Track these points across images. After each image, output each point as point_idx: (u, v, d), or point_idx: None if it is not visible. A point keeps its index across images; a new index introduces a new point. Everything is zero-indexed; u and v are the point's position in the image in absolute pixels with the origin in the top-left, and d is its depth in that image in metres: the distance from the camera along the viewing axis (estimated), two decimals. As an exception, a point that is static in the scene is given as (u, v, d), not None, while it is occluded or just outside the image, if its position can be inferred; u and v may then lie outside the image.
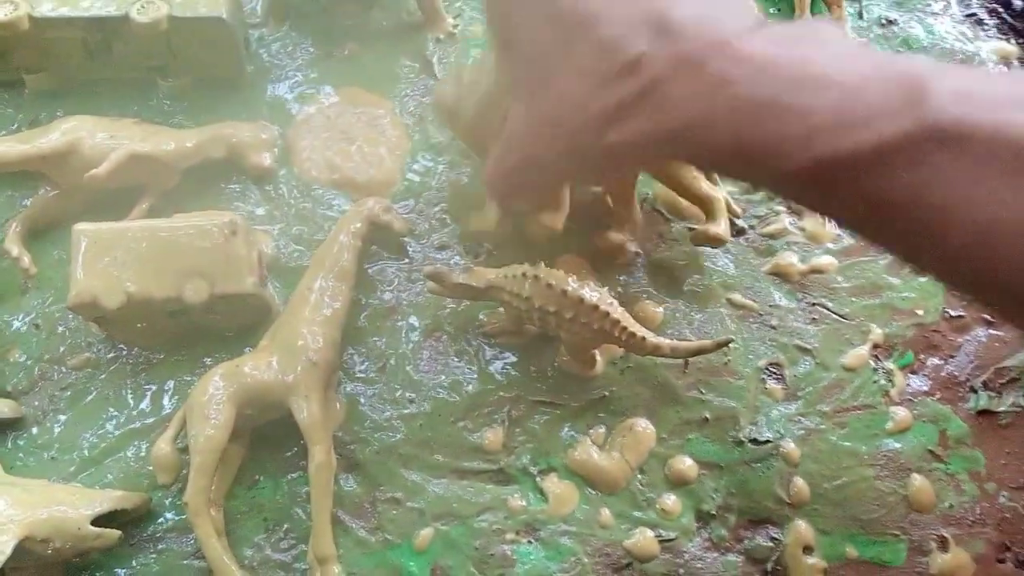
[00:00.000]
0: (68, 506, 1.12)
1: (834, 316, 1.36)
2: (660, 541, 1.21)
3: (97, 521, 1.12)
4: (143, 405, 1.27)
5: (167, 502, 1.21)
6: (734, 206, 1.41)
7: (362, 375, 1.30)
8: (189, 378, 1.28)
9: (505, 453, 1.26)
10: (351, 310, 1.30)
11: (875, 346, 1.34)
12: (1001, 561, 1.22)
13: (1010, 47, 1.63)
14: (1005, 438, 1.29)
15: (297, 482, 1.22)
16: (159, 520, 1.20)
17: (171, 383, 1.29)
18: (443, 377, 1.30)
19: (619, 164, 1.00)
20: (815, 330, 1.35)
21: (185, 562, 1.18)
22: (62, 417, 1.26)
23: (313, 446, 1.15)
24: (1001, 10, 1.67)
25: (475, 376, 1.30)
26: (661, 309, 1.35)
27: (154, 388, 1.28)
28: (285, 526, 1.20)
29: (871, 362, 1.33)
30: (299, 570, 1.18)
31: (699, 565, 1.20)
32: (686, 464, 1.26)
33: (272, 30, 1.56)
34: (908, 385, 1.32)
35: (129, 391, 1.28)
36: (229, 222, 1.22)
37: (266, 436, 1.24)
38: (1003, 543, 1.22)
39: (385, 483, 1.23)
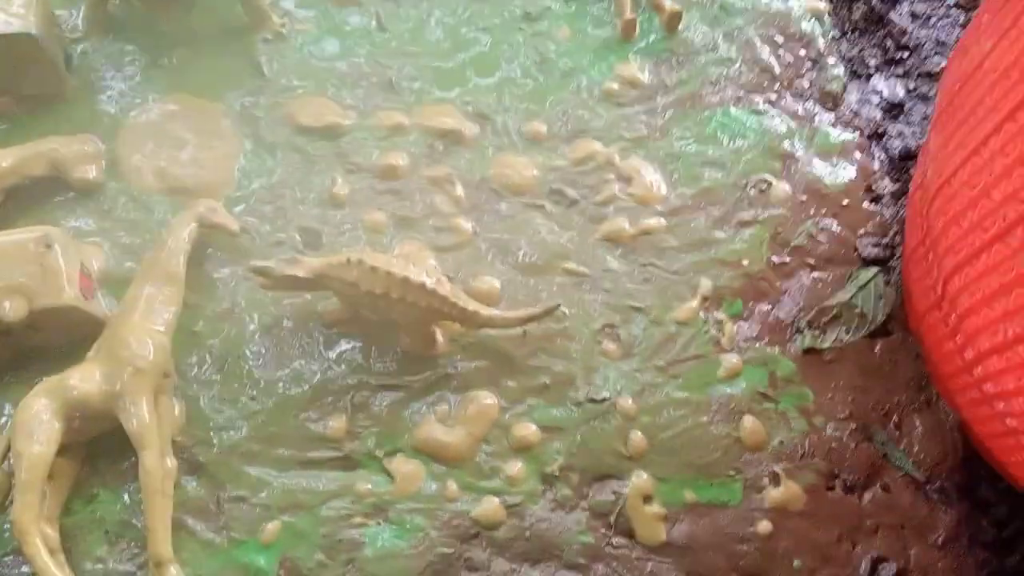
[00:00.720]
0: None
1: (665, 274, 1.41)
2: (506, 507, 1.24)
3: (-75, 552, 1.10)
4: (-26, 431, 1.25)
5: (2, 526, 1.19)
6: None
7: (201, 377, 1.29)
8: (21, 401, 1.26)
9: (350, 439, 1.27)
10: (186, 314, 1.30)
11: (704, 298, 1.40)
12: (830, 488, 1.28)
13: (821, 4, 1.71)
14: (831, 373, 1.36)
15: (138, 492, 1.21)
16: (-5, 545, 1.18)
17: (6, 406, 1.26)
18: (284, 371, 1.31)
19: None
20: (647, 289, 1.40)
21: (24, 585, 1.16)
22: None
23: (141, 451, 1.14)
24: (814, -31, 1.76)
25: (316, 367, 1.31)
26: (498, 283, 1.38)
27: (-15, 413, 1.26)
28: (127, 536, 1.19)
29: (701, 314, 1.38)
30: (144, 578, 1.17)
31: (545, 526, 1.23)
32: (529, 430, 1.29)
33: (95, 43, 1.54)
34: (738, 332, 1.38)
35: (-41, 418, 1.26)
36: (43, 235, 1.21)
37: (103, 448, 1.22)
38: (831, 471, 1.28)
39: (229, 482, 1.23)
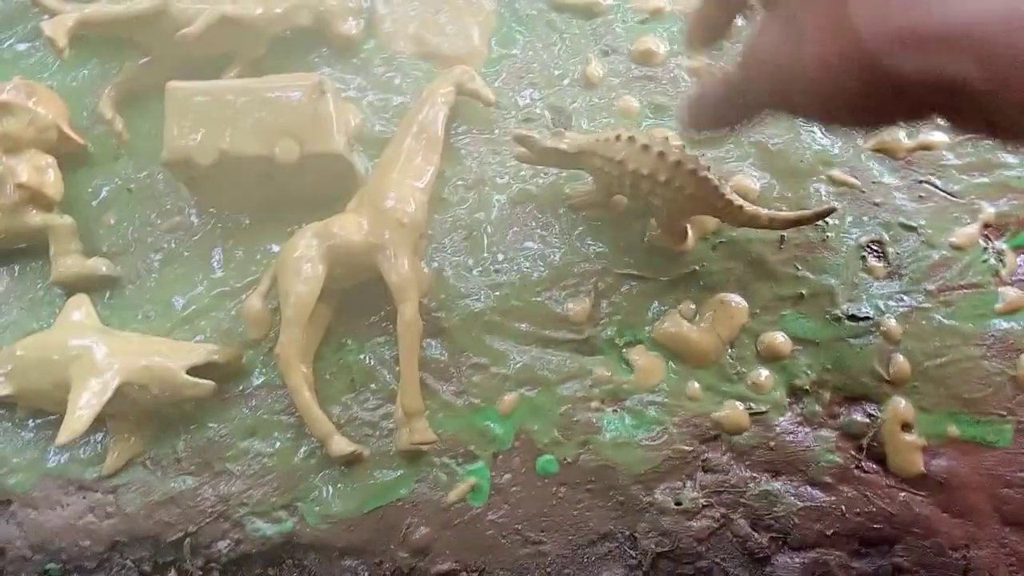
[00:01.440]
0: (165, 356, 1.15)
1: (942, 193, 1.29)
2: (750, 414, 1.18)
3: (192, 373, 1.15)
4: (232, 268, 1.29)
5: (259, 359, 1.23)
6: None
7: (448, 244, 1.28)
8: (276, 245, 1.29)
9: (590, 324, 1.24)
10: (438, 179, 1.28)
11: (986, 225, 1.26)
12: (1117, 446, 1.15)
13: None
14: None
15: (383, 346, 1.23)
16: (251, 377, 1.23)
17: (262, 246, 1.30)
18: (529, 247, 1.28)
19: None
20: (921, 208, 1.28)
21: (275, 417, 1.20)
22: (155, 277, 1.29)
23: (401, 304, 1.15)
24: None
25: (561, 248, 1.27)
26: (757, 185, 1.30)
27: (243, 251, 1.29)
28: (371, 386, 1.21)
29: (981, 241, 1.25)
30: (385, 428, 1.19)
31: (790, 439, 1.17)
32: (779, 339, 1.22)
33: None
34: (1021, 266, 1.24)
35: (219, 253, 1.30)
36: (318, 83, 1.20)
37: (354, 300, 1.24)
38: (1120, 428, 1.16)
39: (470, 349, 1.23)
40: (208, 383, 1.15)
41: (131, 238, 1.31)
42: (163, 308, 1.27)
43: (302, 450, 1.19)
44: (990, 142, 1.31)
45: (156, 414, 1.20)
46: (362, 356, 1.23)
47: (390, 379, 1.21)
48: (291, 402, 1.17)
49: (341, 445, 1.13)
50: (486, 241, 1.28)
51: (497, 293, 1.25)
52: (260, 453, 1.19)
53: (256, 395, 1.21)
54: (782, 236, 1.26)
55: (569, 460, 1.17)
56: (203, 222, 1.31)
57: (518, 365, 1.22)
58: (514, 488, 1.17)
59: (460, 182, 1.32)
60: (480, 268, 1.27)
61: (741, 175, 1.30)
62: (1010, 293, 1.23)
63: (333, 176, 1.25)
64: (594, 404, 1.20)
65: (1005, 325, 1.21)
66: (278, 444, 1.19)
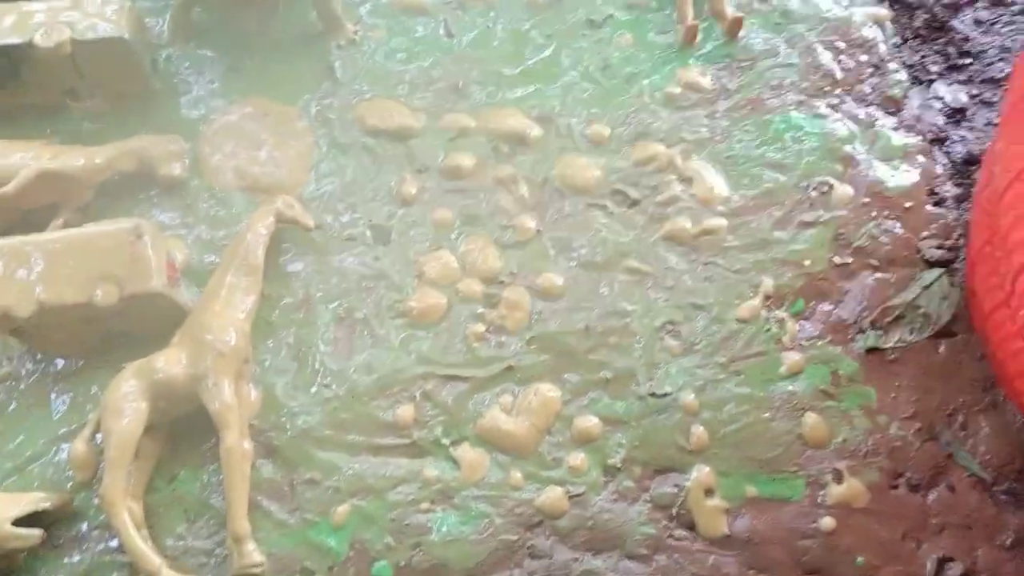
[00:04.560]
0: (-11, 509, 1.16)
1: (727, 272, 1.43)
2: (569, 497, 1.26)
3: (21, 523, 1.16)
4: (65, 411, 1.31)
5: (91, 502, 1.25)
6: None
7: (276, 365, 1.35)
8: (109, 384, 1.32)
9: (417, 427, 1.31)
10: (263, 303, 1.35)
11: (767, 297, 1.41)
12: (895, 487, 1.27)
13: (883, 11, 1.72)
14: (894, 373, 1.35)
15: (217, 472, 1.26)
16: (83, 520, 1.24)
17: (93, 389, 1.33)
18: (356, 360, 1.35)
19: None
20: (709, 287, 1.42)
21: (109, 558, 1.21)
22: (-14, 429, 1.31)
23: (223, 431, 1.20)
24: (875, -22, 1.77)
25: (386, 356, 1.35)
26: (561, 279, 1.41)
27: (74, 395, 1.32)
28: (206, 515, 1.25)
29: (763, 312, 1.39)
30: (220, 555, 1.22)
31: (607, 516, 1.25)
32: (591, 422, 1.31)
33: (179, 49, 1.63)
34: (800, 331, 1.38)
35: (51, 399, 1.32)
36: (134, 227, 1.27)
37: (184, 430, 1.28)
38: (895, 470, 1.28)
39: (302, 465, 1.28)
40: (34, 532, 1.16)
41: (-40, 391, 1.33)
42: (-7, 459, 1.28)
43: (138, 587, 1.20)
44: (765, 222, 1.47)
45: (-14, 568, 1.19)
46: (195, 485, 1.26)
47: (224, 505, 1.24)
48: (123, 541, 1.19)
49: (170, 579, 1.15)
50: (314, 357, 1.35)
51: (326, 407, 1.32)
52: (96, 596, 1.20)
53: (89, 538, 1.23)
54: (586, 326, 1.38)
55: (403, 564, 1.22)
56: (34, 369, 1.34)
57: (349, 476, 1.27)
58: (351, 599, 1.21)
59: (287, 303, 1.40)
60: (309, 385, 1.33)
61: (546, 272, 1.42)
62: (792, 357, 1.36)
63: (158, 312, 1.31)
64: (424, 505, 1.26)
65: (790, 387, 1.34)
66: (114, 584, 1.21)
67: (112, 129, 1.52)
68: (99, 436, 1.23)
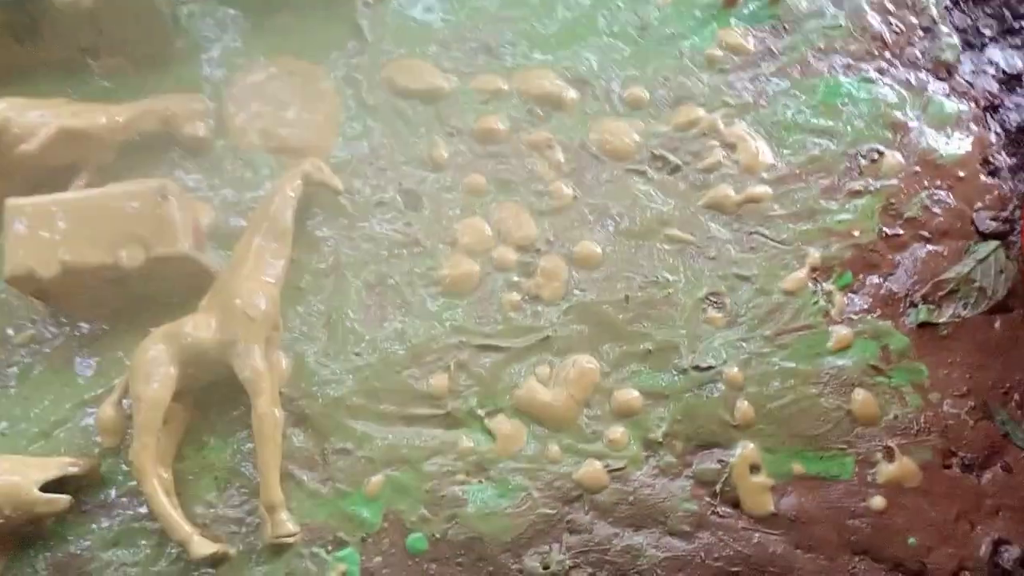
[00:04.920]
0: (15, 474, 1.13)
1: (772, 243, 1.37)
2: (609, 471, 1.22)
3: (48, 488, 1.13)
4: (90, 376, 1.28)
5: (119, 467, 1.22)
6: None
7: (307, 332, 1.30)
8: (134, 348, 1.28)
9: (452, 397, 1.27)
10: (291, 269, 1.31)
11: (813, 269, 1.35)
12: (947, 467, 1.23)
13: (935, -29, 1.65)
14: (946, 349, 1.30)
15: (246, 440, 1.23)
16: (111, 486, 1.21)
17: (119, 353, 1.29)
18: (388, 328, 1.31)
19: None
20: (754, 258, 1.36)
21: (138, 524, 1.19)
22: (11, 392, 1.27)
23: (255, 398, 1.16)
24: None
25: (420, 325, 1.31)
26: (599, 248, 1.36)
27: (100, 359, 1.29)
28: (236, 483, 1.21)
29: (810, 284, 1.34)
30: (252, 524, 1.18)
31: (648, 492, 1.21)
32: (631, 395, 1.27)
33: (201, 5, 1.56)
34: (848, 304, 1.33)
35: (76, 363, 1.29)
36: (159, 187, 1.23)
37: (213, 397, 1.25)
38: (948, 449, 1.23)
39: (334, 435, 1.24)
40: (62, 498, 1.13)
41: (-17, 355, 1.30)
42: (19, 423, 1.25)
43: (167, 556, 1.17)
44: (812, 190, 1.41)
45: (14, 534, 1.17)
46: (225, 453, 1.23)
47: (254, 473, 1.21)
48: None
49: (202, 547, 1.12)
50: (345, 325, 1.31)
51: (358, 376, 1.27)
52: (124, 563, 1.17)
53: (117, 504, 1.20)
54: (626, 296, 1.33)
55: (438, 536, 1.19)
56: (58, 332, 1.31)
57: (383, 446, 1.23)
58: (385, 571, 1.17)
59: (316, 269, 1.35)
60: (340, 353, 1.29)
61: (584, 240, 1.37)
62: (840, 331, 1.31)
63: (185, 276, 1.27)
64: (459, 477, 1.22)
65: (838, 362, 1.29)
66: (142, 553, 1.18)
67: (133, 88, 1.47)
68: (127, 401, 1.20)
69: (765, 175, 1.43)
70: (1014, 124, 1.51)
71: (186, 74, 1.50)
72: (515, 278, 1.35)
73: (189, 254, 1.22)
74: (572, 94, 1.50)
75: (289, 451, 1.22)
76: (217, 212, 1.38)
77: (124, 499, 1.20)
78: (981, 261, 1.34)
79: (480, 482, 1.22)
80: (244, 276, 1.23)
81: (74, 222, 1.20)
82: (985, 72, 1.57)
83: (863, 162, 1.44)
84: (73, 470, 1.16)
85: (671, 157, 1.44)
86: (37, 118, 1.31)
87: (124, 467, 1.21)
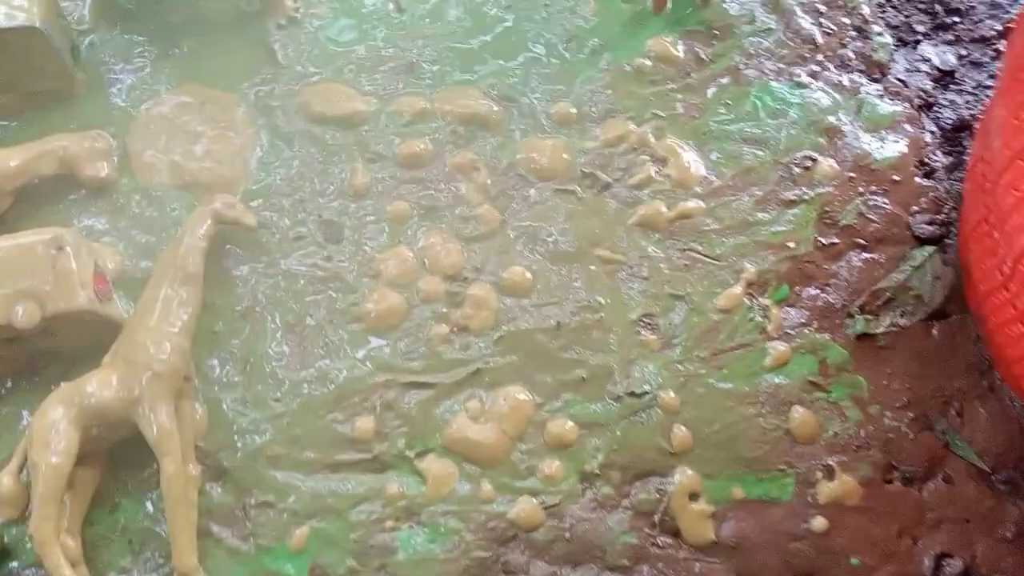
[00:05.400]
0: (-92, 555, 1.06)
1: (706, 259, 1.34)
2: (544, 508, 1.17)
3: (-54, 567, 1.07)
4: (-7, 439, 1.21)
5: (22, 539, 1.15)
6: None
7: (223, 380, 1.24)
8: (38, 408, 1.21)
9: (378, 440, 1.21)
10: (205, 313, 1.25)
11: (749, 284, 1.32)
12: (889, 481, 1.20)
13: (863, -32, 1.61)
14: (885, 359, 1.27)
15: (161, 499, 1.15)
16: (16, 558, 1.13)
17: (23, 412, 1.22)
18: (309, 370, 1.25)
19: None
20: (688, 276, 1.32)
21: (47, 598, 1.13)
22: (-95, 462, 1.20)
23: (162, 458, 1.10)
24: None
25: (342, 365, 1.25)
26: (529, 273, 1.32)
27: (1, 421, 1.22)
28: (152, 546, 1.15)
29: (746, 300, 1.30)
30: (170, 589, 1.13)
31: (585, 527, 1.17)
32: (566, 426, 1.22)
33: (103, 35, 1.49)
34: (785, 319, 1.30)
35: (-25, 427, 1.22)
36: (54, 238, 1.15)
37: (124, 455, 1.18)
38: (889, 463, 1.20)
39: (255, 487, 1.18)
40: (-39, 577, 1.06)
41: None
42: (-85, 496, 1.17)
43: (80, 629, 1.11)
44: (745, 202, 1.38)
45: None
46: (139, 515, 1.16)
47: (171, 534, 1.15)
48: (60, 580, 1.10)
49: (114, 620, 1.06)
50: (264, 370, 1.25)
51: (279, 423, 1.21)
52: (34, 640, 1.11)
53: (22, 577, 1.13)
54: (558, 322, 1.28)
55: (368, 588, 1.14)
56: (-44, 394, 1.23)
57: (307, 497, 1.18)
58: (314, 628, 1.13)
59: (232, 312, 1.29)
60: (259, 400, 1.23)
61: (513, 265, 1.32)
62: (778, 347, 1.28)
63: (88, 328, 1.20)
64: (388, 524, 1.17)
65: (776, 380, 1.26)
66: (54, 626, 1.11)
67: (31, 127, 1.39)
68: (27, 469, 1.13)
69: (698, 189, 1.39)
70: (949, 122, 1.48)
71: (88, 109, 1.42)
72: (443, 309, 1.30)
73: (88, 308, 1.15)
74: (497, 112, 1.45)
75: (207, 507, 1.16)
76: (124, 256, 1.31)
77: (29, 571, 1.13)
78: (917, 268, 1.32)
79: (411, 527, 1.17)
80: (150, 327, 1.16)
81: (-37, 279, 1.12)
82: (919, 70, 1.54)
83: (797, 170, 1.41)
84: (-27, 545, 1.09)
85: (601, 175, 1.40)
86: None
87: (28, 539, 1.14)
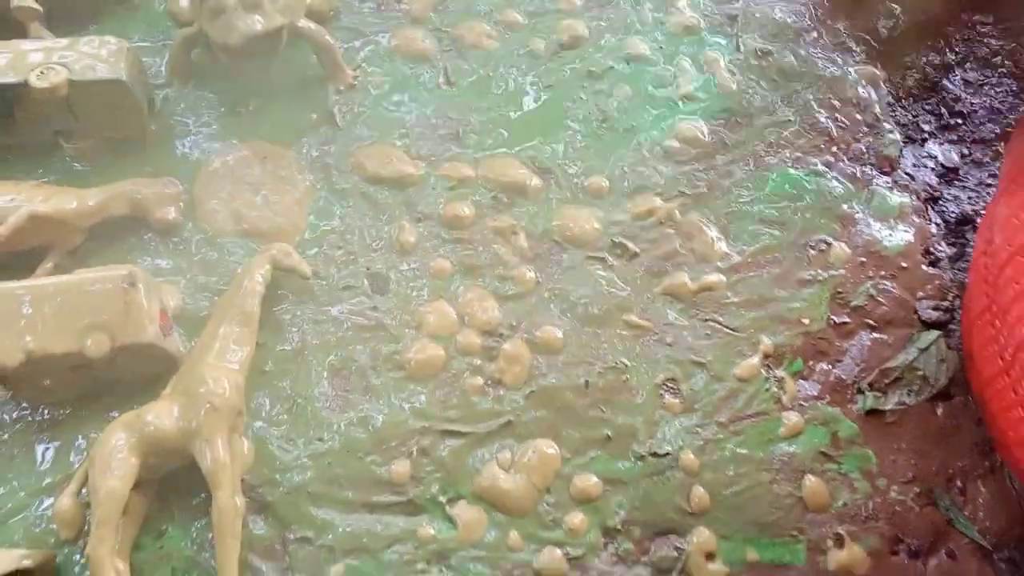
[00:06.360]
0: (-33, 568, 1.11)
1: (726, 330, 1.43)
2: (568, 559, 1.24)
3: (0, 582, 1.12)
4: (49, 462, 1.27)
5: (75, 558, 1.20)
6: None
7: (270, 417, 1.31)
8: (96, 433, 1.28)
9: (414, 484, 1.28)
10: (256, 354, 1.33)
11: (766, 356, 1.41)
12: (895, 553, 1.26)
13: (875, 71, 1.75)
14: (893, 435, 1.35)
15: (206, 529, 1.23)
16: (66, 577, 1.20)
17: (79, 439, 1.29)
18: (351, 413, 1.33)
19: None
20: (708, 344, 1.41)
21: (93, 618, 1.17)
22: (-35, 481, 1.26)
23: (216, 491, 1.16)
24: (868, 38, 1.80)
25: (383, 410, 1.33)
26: (560, 332, 1.40)
27: (60, 444, 1.28)
28: (195, 573, 1.20)
29: (763, 371, 1.39)
30: (209, 616, 1.18)
31: (607, 580, 1.23)
32: (591, 482, 1.29)
33: (177, 90, 1.61)
34: (799, 391, 1.38)
35: (35, 449, 1.28)
36: (128, 274, 1.24)
37: (173, 484, 1.24)
38: (896, 535, 1.27)
39: (295, 523, 1.24)
40: (14, 593, 1.12)
41: (-61, 441, 1.28)
42: (-28, 513, 1.23)
43: (121, 651, 1.15)
44: (764, 279, 1.48)
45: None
46: (184, 543, 1.22)
47: (213, 564, 1.20)
48: (107, 602, 1.15)
49: (157, 643, 1.11)
50: (309, 410, 1.32)
51: (320, 462, 1.28)
52: (76, 658, 1.16)
53: (71, 597, 1.18)
54: (586, 381, 1.36)
55: (397, 627, 1.19)
56: (17, 417, 1.30)
57: (343, 534, 1.24)
58: (343, 663, 1.17)
59: (281, 353, 1.37)
60: (303, 439, 1.30)
61: (545, 325, 1.41)
62: (791, 418, 1.36)
63: (150, 362, 1.28)
64: (420, 566, 1.23)
65: (790, 449, 1.34)
66: (95, 647, 1.16)
67: (105, 170, 1.50)
68: (85, 491, 1.19)
69: (720, 263, 1.49)
70: (953, 215, 1.60)
71: (159, 157, 1.53)
72: (478, 362, 1.38)
73: (155, 343, 1.23)
74: (536, 182, 1.56)
75: (248, 540, 1.22)
76: (184, 295, 1.40)
77: (80, 591, 1.19)
78: (924, 350, 1.41)
79: (440, 571, 1.23)
80: (209, 363, 1.24)
81: (39, 309, 1.20)
82: (925, 166, 1.66)
83: (812, 252, 1.51)
84: (27, 563, 1.14)
85: (630, 245, 1.50)
86: (7, 203, 1.33)
87: (79, 557, 1.20)
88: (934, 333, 1.43)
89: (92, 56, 1.43)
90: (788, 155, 1.63)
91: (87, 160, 1.51)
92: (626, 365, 1.38)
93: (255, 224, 1.47)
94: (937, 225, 1.58)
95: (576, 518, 1.27)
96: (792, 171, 1.60)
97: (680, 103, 1.67)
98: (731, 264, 1.49)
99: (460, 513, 1.27)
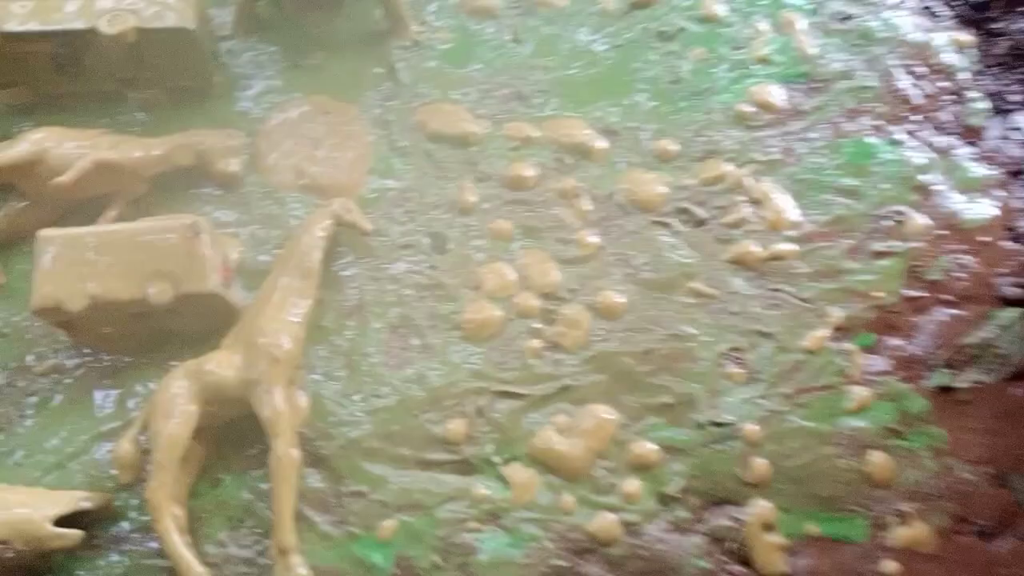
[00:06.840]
0: (28, 508, 1.13)
1: (794, 300, 1.38)
2: (622, 524, 1.22)
3: (60, 522, 1.13)
4: (109, 408, 1.29)
5: (132, 503, 1.22)
6: None
7: (327, 372, 1.31)
8: (155, 382, 1.29)
9: (469, 443, 1.27)
10: (316, 308, 1.32)
11: (835, 328, 1.35)
12: (961, 533, 1.21)
13: (966, 36, 1.66)
14: (965, 414, 1.29)
15: (261, 478, 1.23)
16: (123, 521, 1.21)
17: (139, 386, 1.30)
18: (408, 371, 1.32)
19: None
20: (776, 315, 1.37)
21: (149, 561, 1.19)
22: (28, 423, 1.28)
23: (274, 440, 1.17)
24: (957, 2, 1.71)
25: (440, 369, 1.32)
26: (623, 298, 1.37)
27: (120, 391, 1.30)
28: (249, 522, 1.21)
29: (831, 344, 1.34)
30: (263, 565, 1.18)
31: (661, 547, 1.20)
32: (647, 448, 1.27)
33: (241, 42, 1.60)
34: (868, 365, 1.33)
35: (95, 395, 1.30)
36: (192, 224, 1.25)
37: (230, 434, 1.25)
38: (963, 515, 1.22)
39: (349, 477, 1.24)
40: (74, 533, 1.13)
41: (4, 382, 1.31)
42: (35, 453, 1.26)
43: (178, 593, 1.17)
44: (836, 249, 1.42)
45: (24, 567, 1.16)
46: (240, 492, 1.23)
47: (267, 513, 1.21)
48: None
49: (214, 588, 1.12)
50: (365, 366, 1.32)
51: (376, 418, 1.28)
52: (133, 599, 1.18)
53: (128, 540, 1.20)
54: (647, 348, 1.33)
55: (449, 584, 1.19)
56: (80, 363, 1.32)
57: (397, 490, 1.23)
58: (395, 618, 1.18)
59: (340, 309, 1.36)
60: (359, 394, 1.30)
61: (607, 290, 1.38)
62: (860, 392, 1.31)
63: (211, 312, 1.28)
64: (472, 524, 1.22)
65: (855, 423, 1.29)
66: (153, 589, 1.18)
67: (168, 121, 1.50)
68: (144, 436, 1.21)
69: (791, 232, 1.44)
70: (1039, 191, 1.51)
71: (222, 109, 1.53)
72: (537, 325, 1.36)
73: (217, 292, 1.24)
74: (601, 144, 1.52)
75: (303, 492, 1.22)
76: (245, 248, 1.40)
77: (136, 535, 1.20)
78: (1005, 328, 1.34)
79: (493, 530, 1.22)
80: (270, 315, 1.24)
81: (104, 256, 1.22)
82: (1011, 138, 1.57)
83: (887, 223, 1.45)
84: (86, 504, 1.16)
85: (697, 211, 1.45)
86: (74, 150, 1.34)
87: (137, 502, 1.22)
88: (1015, 311, 1.36)
89: (160, 3, 1.43)
90: (867, 122, 1.55)
91: (151, 109, 1.51)
92: (689, 333, 1.34)
93: (316, 179, 1.46)
94: (1022, 200, 1.50)
95: (632, 484, 1.25)
96: (870, 139, 1.53)
97: (755, 66, 1.61)
98: (802, 233, 1.44)
99: (513, 474, 1.25)
